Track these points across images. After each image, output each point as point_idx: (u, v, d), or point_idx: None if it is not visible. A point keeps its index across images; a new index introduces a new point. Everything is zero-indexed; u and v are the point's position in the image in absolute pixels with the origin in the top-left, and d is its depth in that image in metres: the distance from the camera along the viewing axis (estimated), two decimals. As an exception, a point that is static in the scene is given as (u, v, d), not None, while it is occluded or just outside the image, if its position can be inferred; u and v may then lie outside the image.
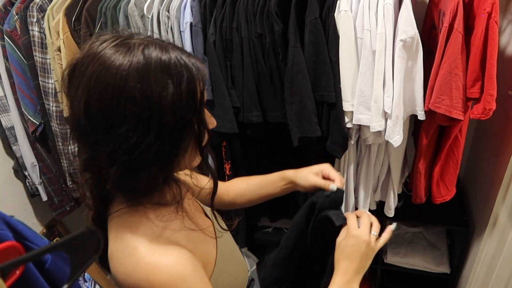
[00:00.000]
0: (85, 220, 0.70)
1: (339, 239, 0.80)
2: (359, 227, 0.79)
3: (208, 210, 0.86)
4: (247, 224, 1.73)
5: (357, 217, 0.82)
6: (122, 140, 0.56)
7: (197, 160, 0.68)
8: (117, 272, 0.63)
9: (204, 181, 0.84)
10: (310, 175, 0.92)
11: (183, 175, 0.76)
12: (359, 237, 0.77)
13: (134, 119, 0.56)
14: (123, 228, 0.65)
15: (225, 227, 0.81)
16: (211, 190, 0.73)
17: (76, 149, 0.68)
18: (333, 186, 0.87)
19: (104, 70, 0.55)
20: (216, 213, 0.83)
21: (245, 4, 1.25)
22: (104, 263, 0.69)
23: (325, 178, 0.92)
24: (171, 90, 0.57)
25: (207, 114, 0.67)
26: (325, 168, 0.93)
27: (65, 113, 1.55)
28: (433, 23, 1.27)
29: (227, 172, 1.53)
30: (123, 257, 0.62)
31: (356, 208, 1.58)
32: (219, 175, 1.59)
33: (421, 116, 1.23)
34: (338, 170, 1.48)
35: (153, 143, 0.57)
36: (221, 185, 1.00)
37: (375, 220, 0.81)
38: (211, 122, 0.69)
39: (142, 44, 0.58)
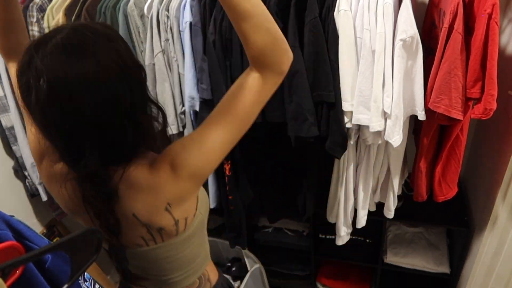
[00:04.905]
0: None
1: None
2: None
3: None
4: (247, 225, 1.72)
5: None
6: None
7: None
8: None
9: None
10: None
11: None
12: None
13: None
14: (146, 164, 0.75)
15: None
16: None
17: None
18: None
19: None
20: None
21: (245, 4, 1.25)
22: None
23: None
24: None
25: None
26: None
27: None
28: (433, 22, 1.27)
29: (227, 173, 1.53)
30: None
31: (356, 209, 1.57)
32: (219, 175, 1.59)
33: (421, 116, 1.23)
34: (338, 170, 1.48)
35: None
36: None
37: None
38: None
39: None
